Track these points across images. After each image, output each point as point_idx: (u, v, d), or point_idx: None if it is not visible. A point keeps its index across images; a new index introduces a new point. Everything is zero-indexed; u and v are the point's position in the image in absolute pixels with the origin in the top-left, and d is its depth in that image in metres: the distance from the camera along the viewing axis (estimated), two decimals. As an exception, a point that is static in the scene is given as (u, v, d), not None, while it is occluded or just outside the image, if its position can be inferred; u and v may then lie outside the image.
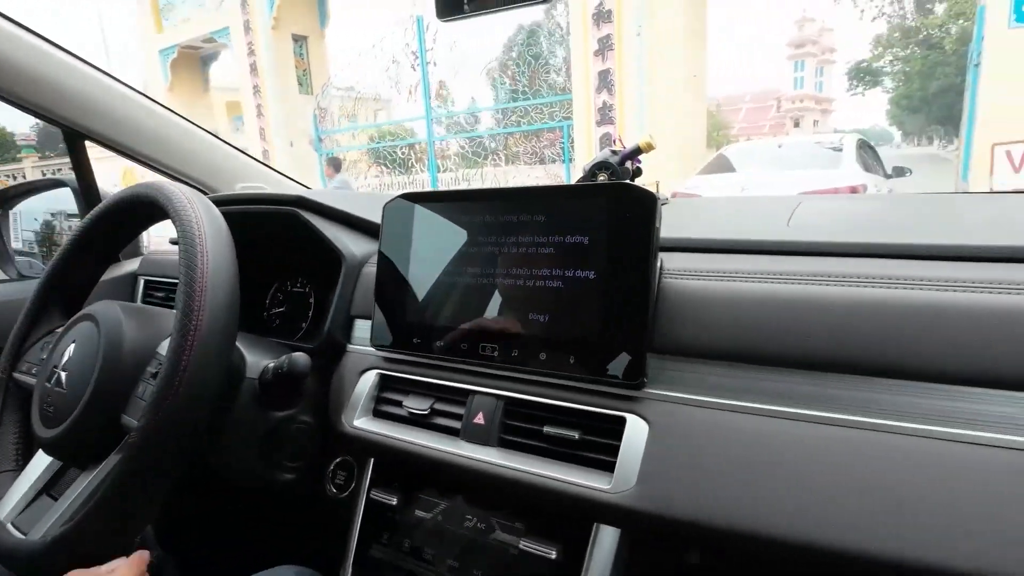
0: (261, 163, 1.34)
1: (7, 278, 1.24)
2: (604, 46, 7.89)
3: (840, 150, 5.14)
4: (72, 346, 0.63)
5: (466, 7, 0.72)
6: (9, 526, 0.62)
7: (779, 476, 0.48)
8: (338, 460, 0.75)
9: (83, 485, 0.59)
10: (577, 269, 0.59)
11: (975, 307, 0.45)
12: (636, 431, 0.54)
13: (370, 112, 11.15)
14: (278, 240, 0.98)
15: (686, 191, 4.83)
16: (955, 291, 0.47)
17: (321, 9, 12.27)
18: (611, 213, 0.58)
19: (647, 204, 0.56)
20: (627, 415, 0.55)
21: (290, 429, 0.70)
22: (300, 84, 11.95)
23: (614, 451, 0.55)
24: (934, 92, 26.94)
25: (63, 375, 0.61)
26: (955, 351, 0.45)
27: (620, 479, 0.53)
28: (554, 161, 8.95)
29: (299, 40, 11.88)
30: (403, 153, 10.02)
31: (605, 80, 7.97)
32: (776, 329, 0.51)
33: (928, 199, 0.78)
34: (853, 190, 4.35)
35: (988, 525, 0.40)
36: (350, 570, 0.69)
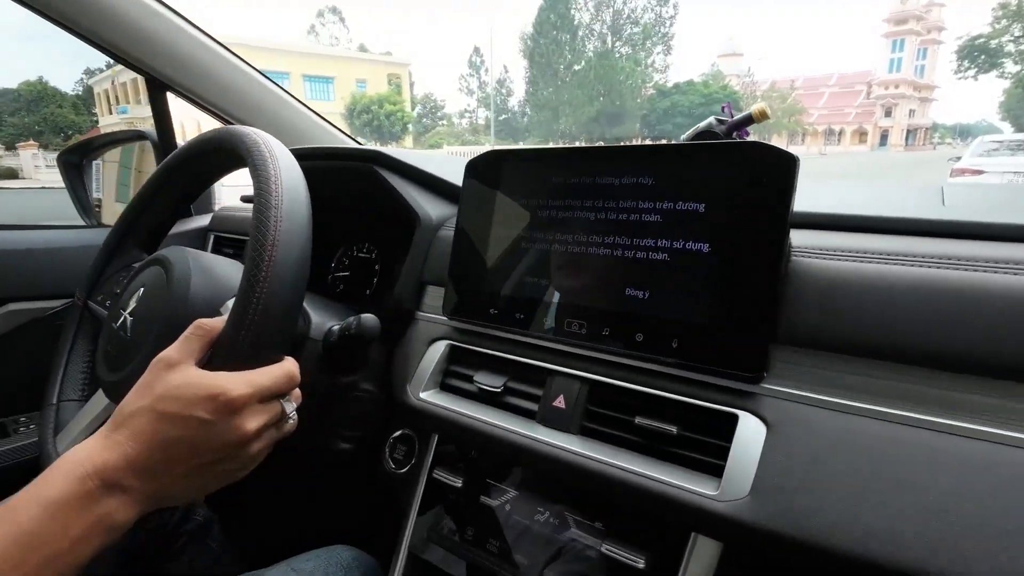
0: (335, 127, 1.31)
1: (87, 224, 1.27)
2: None
3: None
4: (141, 291, 0.61)
5: None
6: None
7: (922, 498, 0.39)
8: (398, 434, 0.70)
9: None
10: (688, 240, 0.50)
11: None
12: (751, 432, 0.46)
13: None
14: (348, 201, 0.94)
15: (968, 167, 5.58)
16: None
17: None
18: (736, 177, 0.49)
19: (785, 168, 0.46)
20: (740, 412, 0.47)
21: (351, 396, 0.66)
22: None
23: (720, 453, 0.47)
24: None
25: (129, 320, 0.59)
26: None
27: (730, 486, 0.45)
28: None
29: None
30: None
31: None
32: (924, 322, 0.42)
33: None
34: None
35: None
36: (404, 552, 0.64)
